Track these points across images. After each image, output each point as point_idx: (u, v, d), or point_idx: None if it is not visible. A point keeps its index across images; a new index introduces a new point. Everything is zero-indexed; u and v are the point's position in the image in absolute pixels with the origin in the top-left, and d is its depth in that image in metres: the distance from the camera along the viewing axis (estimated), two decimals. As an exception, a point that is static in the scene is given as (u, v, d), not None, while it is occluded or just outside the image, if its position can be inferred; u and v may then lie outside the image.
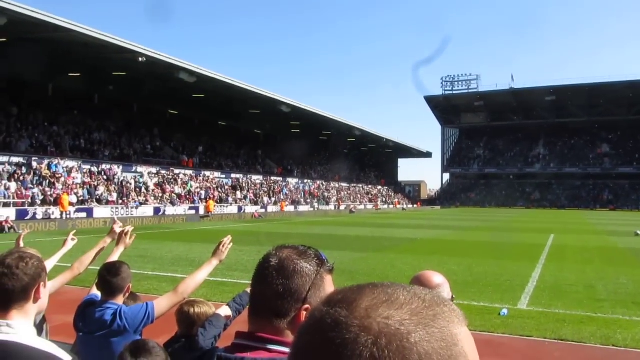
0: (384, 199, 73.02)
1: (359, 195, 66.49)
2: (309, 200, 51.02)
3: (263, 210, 41.02)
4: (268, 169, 53.77)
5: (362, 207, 61.95)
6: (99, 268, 2.58)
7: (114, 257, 2.86)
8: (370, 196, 69.78)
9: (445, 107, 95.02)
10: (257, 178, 47.72)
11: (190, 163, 41.54)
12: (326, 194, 56.77)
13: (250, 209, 39.68)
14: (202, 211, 34.53)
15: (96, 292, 2.58)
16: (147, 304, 2.50)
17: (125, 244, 3.01)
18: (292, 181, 53.92)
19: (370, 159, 79.30)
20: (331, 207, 54.15)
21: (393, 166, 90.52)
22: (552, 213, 56.74)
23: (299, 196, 50.30)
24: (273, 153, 59.47)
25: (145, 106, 43.77)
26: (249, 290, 2.97)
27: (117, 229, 3.10)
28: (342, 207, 56.04)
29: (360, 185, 71.80)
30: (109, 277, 2.47)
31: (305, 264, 1.23)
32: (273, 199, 44.96)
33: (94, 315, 2.41)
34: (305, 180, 57.05)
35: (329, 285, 1.24)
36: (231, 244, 2.89)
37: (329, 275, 1.26)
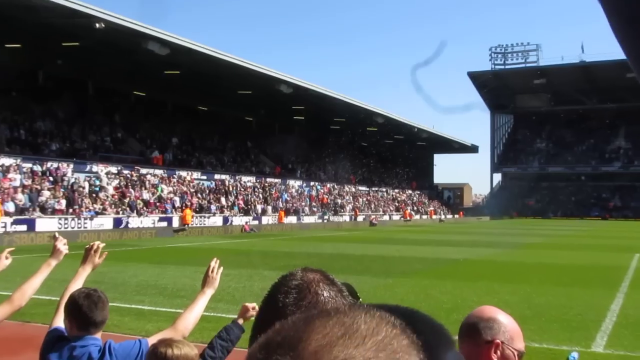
0: (416, 208, 73.39)
1: (382, 203, 66.75)
2: (316, 209, 51.18)
3: (256, 222, 41.24)
4: (262, 168, 54.13)
5: (386, 217, 62.22)
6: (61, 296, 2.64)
7: (79, 283, 2.87)
8: (397, 203, 70.11)
9: (495, 87, 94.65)
10: (248, 180, 48.02)
11: (161, 160, 41.90)
12: (339, 201, 56.93)
13: (238, 220, 39.89)
14: (176, 223, 34.82)
15: (61, 325, 2.63)
16: (140, 341, 2.61)
17: (93, 263, 3.02)
18: (294, 184, 54.21)
19: (397, 154, 79.55)
20: (345, 217, 54.40)
21: (427, 164, 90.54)
22: (637, 225, 56.24)
23: (303, 203, 50.47)
24: (269, 147, 59.93)
25: (104, 86, 44.15)
26: (241, 321, 2.99)
27: (62, 247, 3.08)
28: (360, 218, 56.29)
29: (384, 190, 72.41)
30: (92, 308, 2.50)
31: (337, 296, 1.22)
32: (269, 208, 45.17)
33: (71, 352, 2.46)
34: (312, 183, 57.47)
35: None
36: (221, 268, 2.95)
37: None
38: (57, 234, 3.26)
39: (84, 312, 2.49)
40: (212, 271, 2.90)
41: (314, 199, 53.34)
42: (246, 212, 41.81)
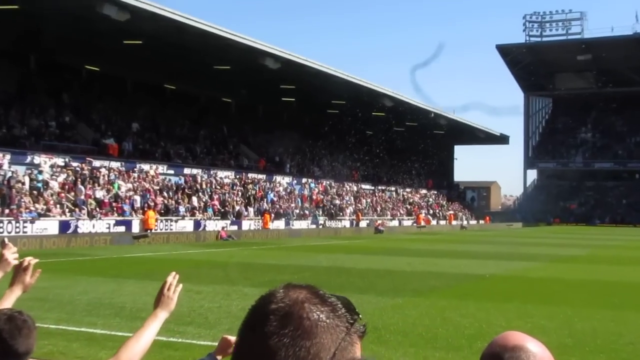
0: (431, 211, 73.84)
1: (390, 205, 67.11)
2: (309, 212, 51.30)
3: (234, 228, 41.33)
4: (243, 161, 54.25)
5: (395, 223, 62.58)
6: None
7: (8, 303, 2.85)
8: (408, 206, 70.53)
9: (530, 64, 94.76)
10: (225, 175, 48.09)
11: (117, 151, 41.87)
12: (337, 202, 57.13)
13: (213, 225, 39.98)
14: (136, 228, 34.84)
15: None
16: None
17: (24, 284, 2.94)
18: (283, 181, 54.33)
19: (409, 146, 79.87)
20: (345, 223, 54.62)
21: (446, 158, 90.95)
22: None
23: (293, 205, 50.57)
24: (252, 135, 60.10)
25: (49, 59, 44.03)
26: (219, 358, 2.91)
27: (10, 257, 3.05)
28: (363, 224, 56.56)
29: (393, 189, 73.04)
30: (14, 334, 2.48)
31: (331, 316, 1.23)
32: (251, 210, 45.24)
33: None
34: (304, 180, 57.68)
35: (357, 355, 1.24)
36: (179, 285, 2.89)
37: (359, 340, 1.26)
38: (6, 240, 3.22)
39: (3, 338, 2.45)
40: (169, 289, 2.84)
41: (306, 200, 53.44)
42: (223, 215, 41.84)
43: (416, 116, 68.81)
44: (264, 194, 48.67)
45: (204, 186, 43.83)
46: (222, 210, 42.45)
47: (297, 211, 49.92)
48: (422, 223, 64.22)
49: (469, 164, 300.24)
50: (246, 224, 42.92)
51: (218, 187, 45.24)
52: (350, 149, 68.47)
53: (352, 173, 67.61)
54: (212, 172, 46.97)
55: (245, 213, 44.28)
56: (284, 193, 51.69)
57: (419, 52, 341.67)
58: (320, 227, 50.01)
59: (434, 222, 69.15)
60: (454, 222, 72.41)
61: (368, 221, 57.72)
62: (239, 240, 38.14)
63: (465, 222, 74.37)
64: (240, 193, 46.44)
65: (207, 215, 40.78)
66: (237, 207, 43.73)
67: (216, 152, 51.69)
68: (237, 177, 48.95)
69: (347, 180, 64.84)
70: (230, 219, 41.93)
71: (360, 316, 1.28)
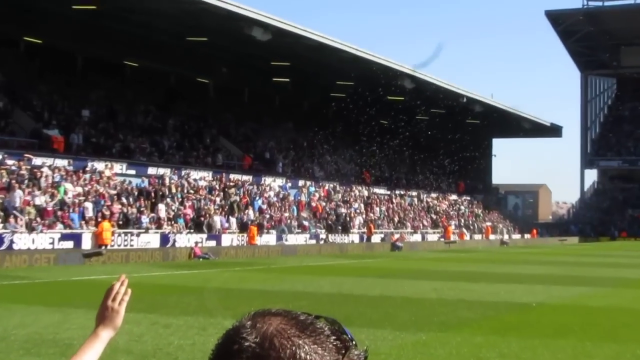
0: (464, 222, 74.21)
1: (410, 214, 67.42)
2: (307, 224, 51.32)
3: (212, 244, 41.46)
4: (225, 157, 54.46)
5: (416, 237, 62.84)
6: None
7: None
8: (434, 216, 70.88)
9: (588, 36, 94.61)
10: (201, 177, 48.26)
11: (63, 145, 41.94)
12: (343, 211, 57.24)
13: (185, 239, 40.10)
14: (88, 243, 34.92)
15: None
16: None
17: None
18: (274, 183, 54.52)
19: (434, 139, 79.96)
20: (353, 237, 54.87)
21: (482, 155, 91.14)
22: None
23: (288, 215, 50.60)
24: (235, 126, 60.19)
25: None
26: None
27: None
28: (377, 238, 56.82)
29: (415, 194, 73.44)
30: None
31: (313, 349, 1.23)
32: (233, 221, 45.32)
33: None
34: (301, 183, 57.95)
35: None
36: (128, 293, 2.78)
37: None
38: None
39: None
40: (114, 298, 2.74)
41: (304, 208, 53.51)
42: (197, 227, 41.88)
43: (444, 101, 68.98)
44: (250, 201, 48.68)
45: (173, 190, 43.87)
46: (197, 221, 42.45)
47: (292, 222, 49.93)
48: (452, 238, 64.18)
49: (511, 162, 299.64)
50: (227, 239, 42.93)
51: (191, 191, 45.26)
52: (360, 143, 68.54)
53: (362, 174, 67.68)
54: (183, 172, 47.10)
55: (226, 225, 44.25)
56: (275, 199, 51.72)
57: (446, 30, 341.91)
58: (322, 242, 50.09)
59: (466, 237, 69.13)
60: (492, 237, 72.43)
61: (383, 235, 57.74)
62: (218, 259, 38.19)
63: (506, 237, 74.38)
64: (219, 199, 46.43)
65: (178, 227, 40.79)
66: (216, 218, 43.71)
67: (189, 147, 51.78)
68: (216, 178, 49.01)
69: (355, 183, 64.89)
70: (206, 232, 41.93)
71: (355, 342, 1.27)
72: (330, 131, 65.49)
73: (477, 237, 71.47)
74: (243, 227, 45.16)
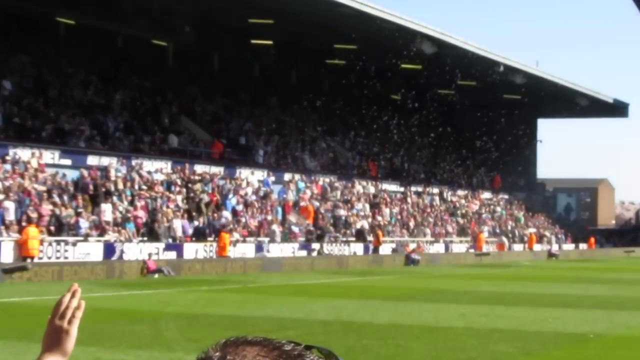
0: (500, 228, 74.42)
1: (430, 218, 67.66)
2: (297, 230, 51.28)
3: (172, 256, 41.55)
4: (189, 143, 54.50)
5: (438, 247, 63.09)
6: None
7: None
8: (461, 219, 71.21)
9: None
10: (157, 168, 48.28)
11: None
12: (343, 213, 57.34)
13: (136, 250, 40.11)
14: (9, 255, 34.81)
15: None
16: None
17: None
18: (253, 177, 54.69)
19: (462, 120, 79.79)
20: (356, 247, 54.98)
21: (524, 141, 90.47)
22: None
23: (271, 218, 50.54)
24: (202, 102, 60.37)
25: None
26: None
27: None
28: (387, 249, 56.98)
29: (436, 191, 73.81)
30: None
31: None
32: (196, 224, 45.31)
33: None
34: (288, 177, 58.17)
35: None
36: (81, 308, 2.74)
37: None
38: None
39: None
40: (62, 315, 2.70)
41: (291, 209, 53.45)
42: (152, 235, 41.93)
43: (475, 71, 69.00)
44: (221, 200, 48.65)
45: (120, 186, 43.81)
46: (151, 226, 42.40)
47: (277, 228, 49.88)
48: (485, 248, 64.27)
49: (561, 150, 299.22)
50: (191, 250, 42.93)
51: (144, 187, 45.20)
52: (365, 126, 68.51)
53: (367, 165, 67.68)
54: (134, 162, 47.13)
55: (190, 231, 44.20)
56: (254, 198, 51.72)
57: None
58: (315, 254, 50.10)
59: (506, 247, 69.19)
60: (536, 247, 72.54)
61: (394, 245, 57.71)
62: (179, 276, 38.19)
63: (555, 247, 74.53)
64: (181, 198, 46.36)
65: (126, 234, 40.73)
66: (176, 222, 43.68)
67: (141, 130, 51.78)
68: (176, 171, 48.94)
69: (359, 177, 64.88)
70: (164, 240, 41.89)
71: None
72: (326, 109, 65.57)
73: (518, 247, 71.74)
74: (212, 233, 45.18)
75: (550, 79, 76.70)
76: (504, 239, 70.65)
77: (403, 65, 65.60)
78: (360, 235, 56.14)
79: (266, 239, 48.23)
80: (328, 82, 66.98)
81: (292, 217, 52.59)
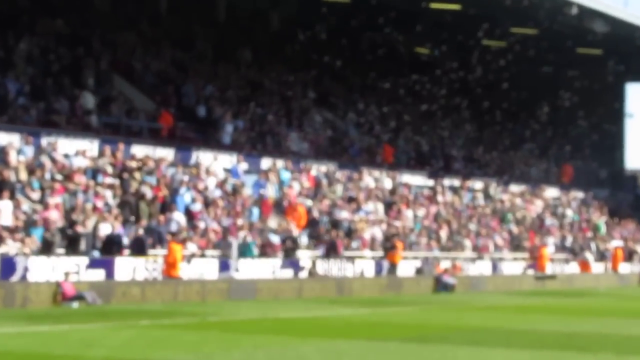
0: (573, 239, 74.56)
1: (471, 225, 67.49)
2: (278, 239, 51.16)
3: (98, 274, 41.50)
4: (124, 114, 54.55)
5: (482, 266, 63.38)
6: None
7: None
8: (515, 227, 71.31)
9: None
10: (77, 149, 48.23)
11: None
12: (345, 216, 57.36)
13: (46, 267, 39.99)
14: None
15: None
16: None
17: None
18: (216, 164, 54.86)
19: (515, 83, 79.81)
20: (363, 265, 55.08)
21: (607, 117, 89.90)
22: None
23: (242, 222, 50.45)
24: (143, 57, 60.30)
25: None
26: None
27: None
28: (409, 267, 57.12)
29: (479, 186, 74.37)
30: None
31: None
32: (134, 230, 45.15)
33: None
34: (267, 163, 58.62)
35: None
36: None
37: None
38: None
39: None
40: None
41: (270, 210, 53.45)
42: (69, 246, 41.97)
43: (536, 13, 69.07)
44: (171, 197, 48.64)
45: (23, 176, 43.80)
46: (69, 233, 42.39)
47: (249, 238, 49.85)
48: (550, 269, 64.31)
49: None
50: (126, 267, 42.89)
51: (59, 177, 45.14)
52: (378, 92, 68.47)
53: (380, 148, 67.71)
54: (45, 141, 47.27)
55: (125, 241, 44.14)
56: (218, 194, 51.74)
57: None
58: (305, 275, 50.15)
59: (573, 265, 69.22)
60: (624, 267, 72.47)
61: (419, 262, 57.77)
62: (108, 304, 38.21)
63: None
64: (112, 192, 46.28)
65: (32, 243, 40.69)
66: (105, 226, 43.61)
67: (55, 95, 51.83)
68: (106, 154, 48.82)
69: (369, 165, 64.95)
70: (88, 253, 41.91)
71: None
72: (321, 68, 65.56)
73: (597, 268, 71.77)
74: (157, 242, 45.25)
75: (645, 27, 76.74)
76: (588, 256, 70.57)
77: (433, 5, 65.73)
78: (370, 248, 56.20)
79: (235, 252, 48.16)
80: (324, 29, 66.83)
81: (271, 222, 52.56)
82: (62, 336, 28.04)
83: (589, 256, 70.63)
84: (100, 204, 45.01)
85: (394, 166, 67.20)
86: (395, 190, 64.37)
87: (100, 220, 43.86)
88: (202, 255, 46.55)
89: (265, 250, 50.19)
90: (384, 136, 68.75)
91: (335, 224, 56.05)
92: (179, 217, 47.49)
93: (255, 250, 49.43)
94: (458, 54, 74.86)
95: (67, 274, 39.32)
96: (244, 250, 48.47)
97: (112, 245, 43.25)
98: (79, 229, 42.66)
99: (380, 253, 56.24)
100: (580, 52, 78.78)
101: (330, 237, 54.08)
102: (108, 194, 46.17)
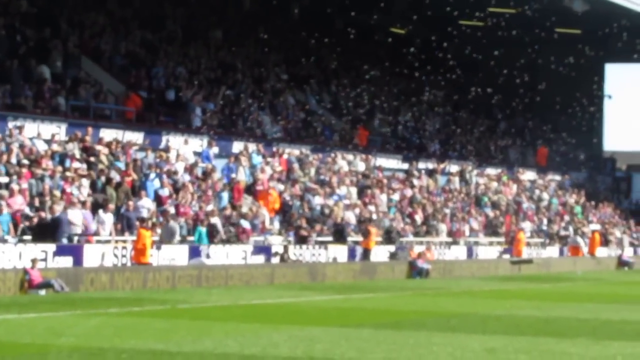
0: (549, 223, 74.94)
1: (446, 209, 67.68)
2: (249, 224, 51.16)
3: (66, 261, 41.35)
4: (91, 96, 53.95)
5: (458, 251, 63.66)
6: None
7: None
8: (491, 211, 71.52)
9: None
10: (42, 132, 48.31)
11: None
12: (318, 201, 57.62)
13: (12, 254, 39.80)
14: None
15: None
16: None
17: None
18: (186, 147, 54.89)
19: (493, 67, 79.85)
20: (337, 250, 55.10)
21: (585, 98, 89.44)
22: None
23: (212, 207, 50.45)
24: (111, 37, 59.97)
25: None
26: None
27: None
28: (381, 252, 57.18)
29: (455, 170, 74.22)
30: None
31: None
32: (107, 218, 45.10)
33: None
34: (238, 146, 58.64)
35: None
36: None
37: None
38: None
39: None
40: None
41: (240, 194, 53.43)
42: (39, 232, 41.78)
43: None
44: (140, 181, 48.60)
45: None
46: (34, 219, 42.37)
47: (220, 223, 49.81)
48: (526, 253, 64.41)
49: (639, 110, 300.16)
50: (94, 254, 42.86)
51: (25, 161, 45.00)
52: (352, 73, 68.36)
53: (354, 131, 67.71)
54: (10, 124, 47.22)
55: (93, 227, 44.10)
56: (187, 178, 51.67)
57: None
58: (277, 260, 50.23)
59: (553, 250, 69.42)
60: (601, 252, 72.68)
61: (393, 247, 57.97)
62: (76, 292, 38.11)
63: (629, 252, 74.73)
64: (79, 177, 46.19)
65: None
66: (73, 212, 43.53)
67: (22, 77, 51.66)
68: (74, 137, 48.72)
69: (342, 148, 64.93)
70: (54, 240, 41.89)
71: None
72: (294, 48, 65.47)
73: (581, 252, 71.58)
74: (126, 228, 45.21)
75: (625, 5, 76.82)
76: (579, 240, 70.59)
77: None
78: (342, 234, 56.19)
79: (209, 237, 48.07)
80: (298, 6, 66.73)
81: (243, 206, 52.50)
82: (29, 324, 27.92)
83: (580, 240, 70.71)
84: (68, 189, 44.95)
85: (368, 149, 67.16)
86: (369, 174, 64.30)
87: (68, 206, 43.81)
88: (168, 240, 46.43)
89: (238, 235, 50.24)
90: (358, 119, 68.69)
91: (308, 208, 56.02)
92: (148, 203, 47.41)
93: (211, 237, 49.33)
94: (434, 34, 74.92)
95: (33, 261, 39.29)
96: (199, 237, 48.61)
97: (80, 231, 43.24)
98: (46, 214, 42.64)
99: (354, 238, 56.33)
100: (559, 31, 78.77)
101: (299, 224, 54.23)
102: (75, 178, 46.06)
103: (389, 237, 57.81)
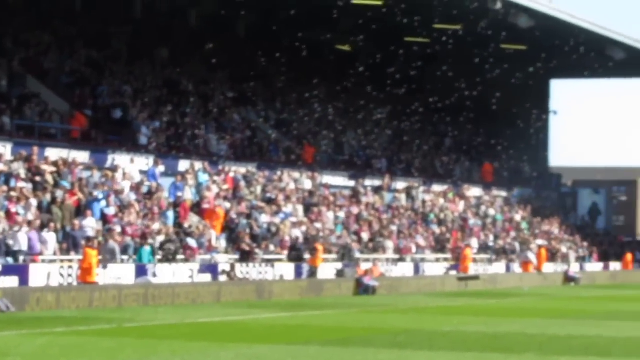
0: (495, 239, 75.05)
1: (392, 226, 67.79)
2: (195, 242, 51.17)
3: (12, 281, 41.08)
4: (37, 115, 53.53)
5: (404, 268, 63.52)
6: None
7: None
8: (437, 228, 71.67)
9: None
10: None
11: None
12: (264, 219, 57.50)
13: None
14: None
15: None
16: None
17: None
18: (132, 167, 54.45)
19: (439, 81, 79.95)
20: (282, 269, 55.13)
21: (531, 114, 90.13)
22: None
23: (158, 226, 50.42)
24: (58, 55, 59.80)
25: None
26: None
27: None
28: (328, 270, 57.08)
29: (402, 187, 74.03)
30: None
31: None
32: (52, 238, 44.72)
33: None
34: (184, 165, 58.30)
35: None
36: None
37: None
38: None
39: None
40: None
41: (186, 213, 53.50)
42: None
43: (461, 9, 69.52)
44: (86, 201, 48.54)
45: None
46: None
47: (164, 240, 49.79)
48: (472, 269, 64.69)
49: (585, 125, 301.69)
50: (40, 273, 42.77)
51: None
52: (298, 90, 68.50)
53: (300, 148, 67.74)
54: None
55: (38, 247, 44.06)
56: (133, 197, 51.66)
57: None
58: (224, 278, 50.30)
59: (499, 267, 69.67)
60: (548, 267, 73.23)
61: (340, 264, 58.09)
62: (22, 311, 38.00)
63: (575, 268, 75.31)
64: (25, 196, 46.13)
65: None
66: (20, 233, 43.53)
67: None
68: (20, 157, 48.40)
69: (288, 166, 64.94)
70: (0, 259, 41.78)
71: None
72: (240, 66, 65.56)
73: (524, 268, 72.26)
74: (72, 248, 45.11)
75: (569, 21, 77.39)
76: (530, 256, 70.95)
77: (355, 1, 65.88)
78: (290, 251, 56.27)
79: (153, 256, 48.03)
80: (244, 26, 66.76)
81: (187, 225, 52.49)
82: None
83: (531, 256, 71.03)
84: (13, 209, 44.89)
85: (314, 167, 67.22)
86: (316, 192, 64.35)
87: (15, 225, 43.74)
88: (110, 259, 46.39)
89: (185, 254, 50.25)
90: (304, 136, 68.79)
91: (252, 227, 56.03)
92: (93, 222, 47.32)
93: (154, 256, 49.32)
94: (380, 51, 75.06)
95: (-21, 281, 39.24)
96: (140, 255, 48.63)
97: (25, 249, 43.13)
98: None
99: (300, 255, 56.35)
100: (505, 47, 79.11)
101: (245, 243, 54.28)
102: (20, 198, 45.99)
103: (349, 255, 57.96)
